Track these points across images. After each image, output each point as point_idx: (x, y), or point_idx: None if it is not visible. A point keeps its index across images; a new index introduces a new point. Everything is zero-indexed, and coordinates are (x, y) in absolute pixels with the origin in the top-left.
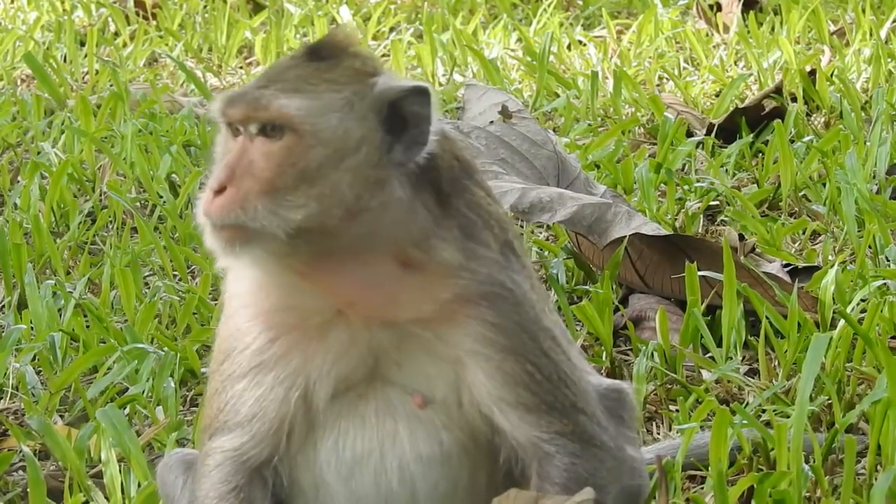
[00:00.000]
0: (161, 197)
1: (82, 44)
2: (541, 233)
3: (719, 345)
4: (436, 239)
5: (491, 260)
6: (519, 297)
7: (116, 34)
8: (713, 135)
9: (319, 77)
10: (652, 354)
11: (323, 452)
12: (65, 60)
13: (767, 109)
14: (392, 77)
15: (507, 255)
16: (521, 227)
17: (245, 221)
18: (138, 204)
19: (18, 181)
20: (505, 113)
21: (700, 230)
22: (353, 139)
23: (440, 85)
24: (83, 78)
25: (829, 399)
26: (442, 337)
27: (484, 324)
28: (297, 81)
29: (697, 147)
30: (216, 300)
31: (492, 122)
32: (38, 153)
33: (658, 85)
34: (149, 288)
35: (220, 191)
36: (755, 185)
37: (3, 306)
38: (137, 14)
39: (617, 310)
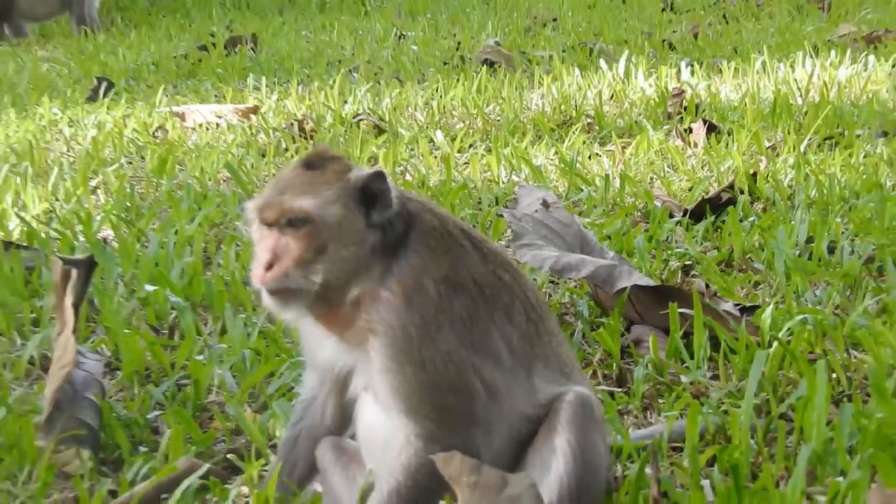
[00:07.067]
0: None
1: (263, 155)
2: (571, 283)
3: (692, 358)
4: (360, 289)
5: (390, 306)
6: (404, 336)
7: (286, 149)
8: (687, 216)
9: (316, 182)
10: (647, 365)
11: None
12: (252, 167)
13: (724, 199)
14: (360, 170)
15: (412, 296)
16: (557, 281)
17: (289, 285)
18: None
19: (220, 248)
20: (545, 204)
21: (678, 281)
22: (346, 218)
23: (502, 183)
24: (264, 179)
25: (767, 395)
26: (365, 355)
27: (380, 350)
28: (304, 186)
29: (676, 225)
30: None
31: (536, 210)
32: (234, 229)
33: (650, 182)
34: None
35: (269, 267)
36: (716, 250)
37: (211, 332)
38: (301, 136)
39: (623, 335)
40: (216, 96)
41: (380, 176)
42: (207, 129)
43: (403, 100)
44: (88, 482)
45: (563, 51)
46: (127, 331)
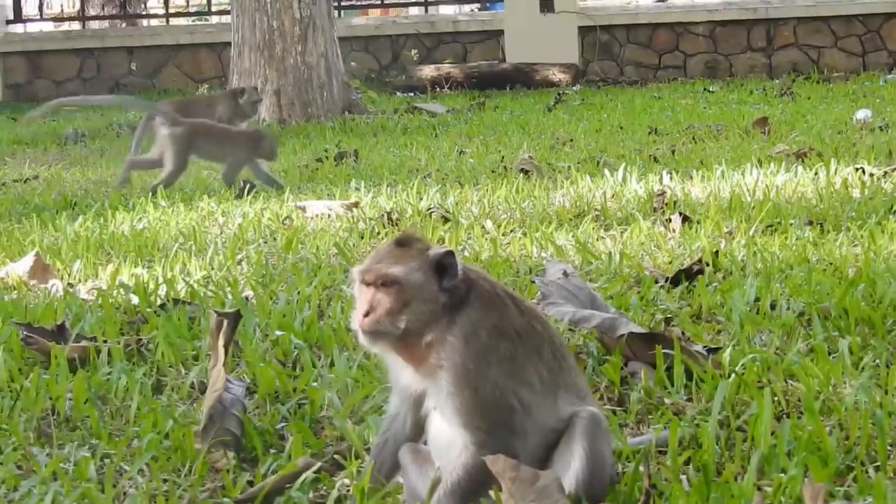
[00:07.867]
0: None
1: (362, 237)
2: (584, 330)
3: (673, 385)
4: (432, 335)
5: (454, 348)
6: (464, 369)
7: (378, 233)
8: (668, 282)
9: (404, 255)
10: (640, 391)
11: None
12: (353, 245)
13: (695, 270)
14: (436, 248)
15: (470, 341)
16: (574, 329)
17: (381, 329)
18: None
19: (330, 304)
20: (565, 273)
21: (662, 329)
22: (425, 283)
23: (534, 258)
24: (362, 254)
25: (727, 413)
26: (435, 382)
27: (446, 380)
28: (395, 258)
29: (660, 288)
30: None
31: (559, 278)
32: (340, 291)
33: (641, 258)
34: None
35: (366, 315)
36: (689, 307)
37: (323, 365)
38: (389, 223)
39: (622, 368)
40: (328, 195)
41: (450, 253)
42: (322, 218)
43: (463, 198)
44: (232, 475)
45: (578, 162)
46: (262, 364)
